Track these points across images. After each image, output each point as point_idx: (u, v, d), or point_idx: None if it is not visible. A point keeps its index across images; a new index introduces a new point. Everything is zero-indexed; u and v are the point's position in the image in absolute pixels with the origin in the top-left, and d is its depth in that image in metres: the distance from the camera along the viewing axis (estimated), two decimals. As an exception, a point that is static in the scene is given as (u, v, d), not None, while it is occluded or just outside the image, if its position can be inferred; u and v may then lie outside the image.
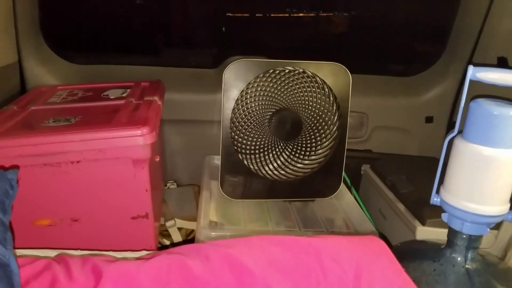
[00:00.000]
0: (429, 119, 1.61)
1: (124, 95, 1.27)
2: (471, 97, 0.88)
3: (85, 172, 0.93)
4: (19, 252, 0.75)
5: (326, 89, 1.19)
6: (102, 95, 1.27)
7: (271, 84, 1.18)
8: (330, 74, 1.19)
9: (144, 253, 0.78)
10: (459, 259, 0.88)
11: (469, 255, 0.87)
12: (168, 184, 1.52)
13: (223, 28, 1.78)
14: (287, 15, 1.90)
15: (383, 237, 1.11)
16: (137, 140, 0.92)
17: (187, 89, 1.59)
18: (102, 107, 1.16)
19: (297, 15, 1.94)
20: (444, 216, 0.89)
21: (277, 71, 1.18)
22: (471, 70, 0.85)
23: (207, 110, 1.55)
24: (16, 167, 0.89)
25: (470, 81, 0.85)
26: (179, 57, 1.73)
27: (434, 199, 0.91)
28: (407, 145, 1.62)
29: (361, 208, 1.20)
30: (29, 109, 1.13)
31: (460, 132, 0.87)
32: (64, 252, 0.72)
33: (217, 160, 1.41)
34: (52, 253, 0.75)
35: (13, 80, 1.39)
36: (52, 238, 0.96)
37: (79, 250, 0.77)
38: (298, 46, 1.75)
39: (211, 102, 1.55)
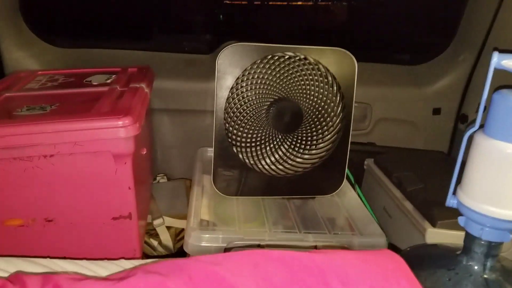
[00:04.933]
0: (436, 111, 1.52)
1: (108, 81, 1.17)
2: (494, 88, 0.79)
3: (60, 167, 0.83)
4: (-21, 260, 0.66)
5: (330, 78, 1.09)
6: (84, 81, 1.17)
7: (270, 72, 1.08)
8: (334, 61, 1.09)
9: (122, 262, 0.69)
10: (476, 267, 0.79)
11: (488, 264, 0.78)
12: (157, 178, 1.42)
13: (219, 12, 1.67)
14: (286, 2, 1.79)
15: (393, 247, 1.02)
16: (118, 132, 0.82)
17: (179, 76, 1.49)
18: (83, 94, 1.06)
19: (296, 3, 1.82)
20: (461, 220, 0.80)
21: (276, 57, 1.08)
22: (496, 57, 0.75)
23: (201, 99, 1.45)
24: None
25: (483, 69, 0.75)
26: (171, 42, 1.62)
27: (451, 201, 0.82)
28: (413, 138, 1.53)
29: (366, 208, 1.11)
30: (3, 95, 1.03)
31: (481, 126, 0.78)
32: (21, 271, 0.62)
33: (210, 152, 1.31)
34: (18, 262, 0.66)
35: (-10, 64, 1.29)
36: (24, 240, 0.87)
37: (47, 259, 0.67)
38: (298, 33, 1.64)
39: (205, 91, 1.45)
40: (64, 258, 0.73)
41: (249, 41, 1.09)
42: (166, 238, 1.11)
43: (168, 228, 1.14)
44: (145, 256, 1.08)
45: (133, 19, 1.64)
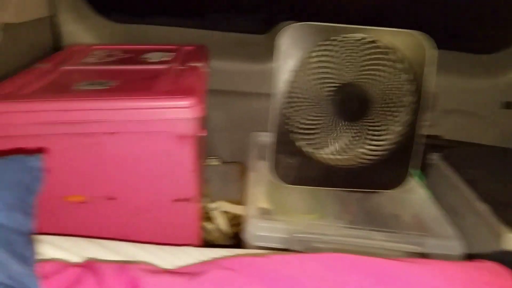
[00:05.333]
0: (508, 105, 1.40)
1: (165, 59, 1.13)
2: None
3: (123, 145, 0.80)
4: (46, 238, 0.63)
5: (403, 64, 1.01)
6: (141, 57, 1.14)
7: (336, 54, 1.00)
8: (408, 46, 1.00)
9: (189, 249, 0.65)
10: None
11: None
12: (209, 160, 1.38)
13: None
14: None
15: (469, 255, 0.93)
16: (184, 112, 0.78)
17: (232, 56, 1.43)
18: (141, 71, 1.02)
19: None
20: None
21: (344, 39, 1.00)
22: None
23: (254, 81, 1.39)
24: (43, 139, 0.77)
25: None
26: (223, 20, 1.55)
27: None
28: (480, 132, 1.42)
29: (435, 206, 1.03)
30: (61, 69, 1.01)
31: None
32: (94, 258, 0.59)
33: (263, 137, 1.26)
34: (83, 242, 0.63)
35: (45, 36, 1.27)
36: (85, 217, 0.85)
37: (113, 241, 0.65)
38: (365, 13, 1.51)
39: (258, 72, 1.39)
40: (127, 240, 0.71)
41: (308, 20, 1.02)
42: (221, 222, 1.07)
43: (223, 212, 1.10)
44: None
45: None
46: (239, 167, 1.32)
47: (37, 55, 1.15)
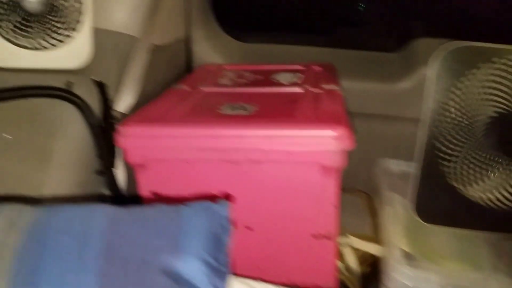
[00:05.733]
0: None
1: (296, 80, 1.10)
2: None
3: (267, 175, 0.77)
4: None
5: None
6: (271, 78, 1.12)
7: (498, 79, 0.87)
8: None
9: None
10: None
11: None
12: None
13: (408, 3, 1.46)
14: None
15: None
16: (332, 144, 0.73)
17: (359, 75, 1.35)
18: (277, 95, 1.00)
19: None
20: None
21: (508, 62, 0.87)
22: None
23: (385, 102, 1.30)
24: (189, 164, 0.77)
25: None
26: (350, 37, 1.49)
27: None
28: None
29: None
30: (200, 90, 1.03)
31: None
32: None
33: (394, 165, 1.16)
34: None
35: (181, 56, 1.33)
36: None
37: (260, 283, 0.61)
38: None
39: (390, 93, 1.29)
40: (265, 278, 0.67)
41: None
42: (352, 260, 0.99)
43: (353, 249, 1.02)
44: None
45: (311, 15, 1.54)
46: (362, 197, 1.22)
47: (175, 75, 1.21)
